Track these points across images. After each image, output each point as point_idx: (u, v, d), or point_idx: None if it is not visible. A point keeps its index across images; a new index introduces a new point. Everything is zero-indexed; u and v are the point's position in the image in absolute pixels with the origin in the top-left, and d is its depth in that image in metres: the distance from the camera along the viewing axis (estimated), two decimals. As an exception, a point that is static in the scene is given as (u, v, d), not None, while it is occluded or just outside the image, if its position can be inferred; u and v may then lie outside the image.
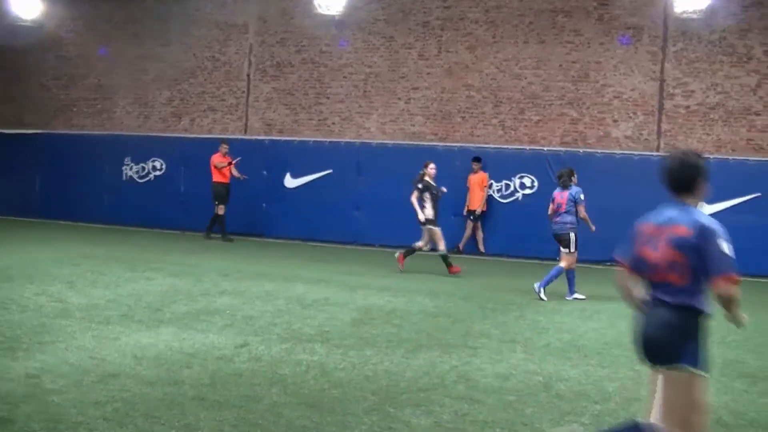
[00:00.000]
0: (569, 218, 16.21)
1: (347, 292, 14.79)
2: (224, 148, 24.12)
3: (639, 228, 6.33)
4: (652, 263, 5.95)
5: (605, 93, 24.04)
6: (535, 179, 23.37)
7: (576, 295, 15.81)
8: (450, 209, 23.27)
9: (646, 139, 23.72)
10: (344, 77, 26.33)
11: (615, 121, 23.94)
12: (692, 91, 23.59)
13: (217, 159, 23.91)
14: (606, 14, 24.11)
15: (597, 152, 23.43)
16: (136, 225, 26.45)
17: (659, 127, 23.67)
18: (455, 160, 23.98)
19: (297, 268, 18.25)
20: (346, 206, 24.84)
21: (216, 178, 23.93)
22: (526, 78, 24.56)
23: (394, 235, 23.61)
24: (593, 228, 16.70)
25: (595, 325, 12.75)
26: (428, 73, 25.42)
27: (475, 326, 12.01)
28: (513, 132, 24.55)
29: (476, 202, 23.36)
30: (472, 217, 23.50)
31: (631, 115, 23.88)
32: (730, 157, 22.76)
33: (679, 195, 6.21)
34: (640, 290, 5.96)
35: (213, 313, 12.01)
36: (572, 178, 16.66)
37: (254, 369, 8.88)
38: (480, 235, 23.57)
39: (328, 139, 25.89)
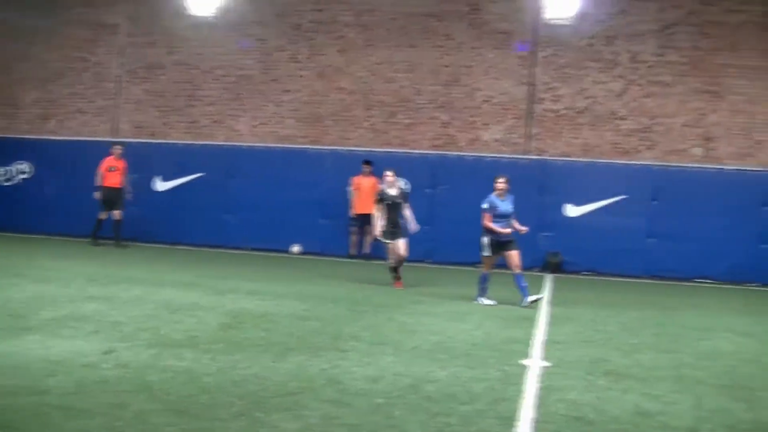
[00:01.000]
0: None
1: (216, 296, 14.59)
2: (117, 150, 23.45)
3: None
4: None
5: (476, 97, 24.33)
6: (408, 182, 23.44)
7: (483, 300, 15.76)
8: (319, 213, 23.33)
9: (515, 143, 24.06)
10: (215, 79, 26.06)
11: (485, 124, 24.24)
12: (561, 96, 24.05)
13: (108, 162, 23.22)
14: (477, 19, 24.41)
15: (467, 155, 23.68)
16: (3, 230, 25.68)
17: (528, 130, 24.03)
18: (326, 163, 23.96)
19: (166, 272, 17.96)
20: (217, 209, 24.58)
21: (107, 182, 23.23)
22: (397, 81, 24.67)
23: (264, 238, 23.55)
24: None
25: (464, 326, 12.82)
26: (300, 76, 25.35)
27: (345, 329, 11.95)
28: (384, 135, 24.62)
29: (368, 206, 23.16)
30: (358, 222, 23.27)
31: (500, 118, 24.21)
32: (597, 160, 23.26)
33: None
34: None
35: (79, 319, 11.69)
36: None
37: (121, 376, 8.66)
38: (369, 238, 23.46)
39: (199, 142, 25.59)
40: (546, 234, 23.10)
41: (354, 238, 23.69)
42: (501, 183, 15.98)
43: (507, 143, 24.17)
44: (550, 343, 11.65)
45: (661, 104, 23.93)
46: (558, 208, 23.23)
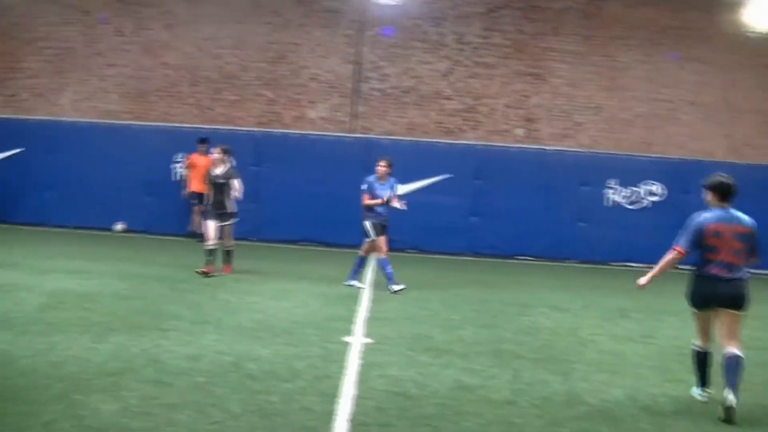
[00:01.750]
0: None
1: (36, 275, 14.18)
2: None
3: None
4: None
5: (302, 74, 24.26)
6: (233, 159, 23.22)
7: (353, 282, 15.61)
8: (143, 190, 22.94)
9: (341, 121, 24.14)
10: (37, 51, 25.19)
11: (311, 102, 24.21)
12: (387, 75, 24.22)
13: None
14: (305, -4, 24.32)
15: (292, 133, 23.63)
16: None
17: (354, 109, 24.14)
18: (150, 140, 23.49)
19: (-19, 251, 17.38)
20: (38, 187, 23.77)
21: None
22: (223, 58, 24.39)
23: (87, 216, 23.00)
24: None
25: (286, 304, 12.83)
26: (125, 50, 24.74)
27: (167, 308, 11.80)
28: (209, 112, 24.32)
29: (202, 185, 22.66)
30: (197, 200, 22.66)
31: (327, 96, 24.22)
32: (422, 140, 23.54)
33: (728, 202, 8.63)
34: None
35: None
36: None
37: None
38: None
39: (19, 117, 24.71)
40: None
41: (195, 216, 23.25)
42: (382, 166, 15.61)
43: (333, 121, 24.21)
44: (372, 321, 11.78)
45: (485, 85, 24.39)
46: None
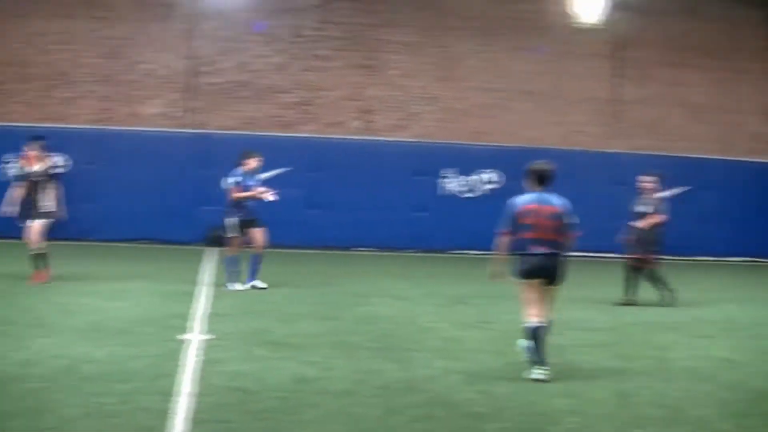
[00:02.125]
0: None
1: None
2: None
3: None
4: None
5: (137, 70, 23.83)
6: (68, 157, 22.67)
7: (235, 285, 14.88)
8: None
9: (177, 117, 23.83)
10: None
11: (147, 98, 23.81)
12: (223, 69, 24.04)
13: None
14: (138, -10, 23.89)
15: (128, 129, 23.21)
16: None
17: (190, 104, 23.86)
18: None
19: None
20: None
21: None
22: (54, 53, 23.74)
23: None
24: None
25: (122, 304, 12.61)
26: (-53, 46, 23.85)
27: (-2, 312, 11.48)
28: (41, 109, 23.64)
29: None
30: None
31: (162, 92, 23.87)
32: (259, 133, 23.44)
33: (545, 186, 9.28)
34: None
35: None
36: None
37: None
38: None
39: None
40: (209, 208, 23.03)
41: None
42: (254, 161, 15.40)
43: (169, 117, 23.86)
44: (211, 317, 11.69)
45: (321, 78, 24.45)
46: (220, 182, 23.13)
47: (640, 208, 15.11)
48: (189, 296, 13.59)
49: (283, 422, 7.00)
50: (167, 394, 7.53)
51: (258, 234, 15.20)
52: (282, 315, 12.16)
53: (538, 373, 8.73)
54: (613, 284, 15.72)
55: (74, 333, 10.22)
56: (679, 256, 25.25)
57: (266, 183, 16.05)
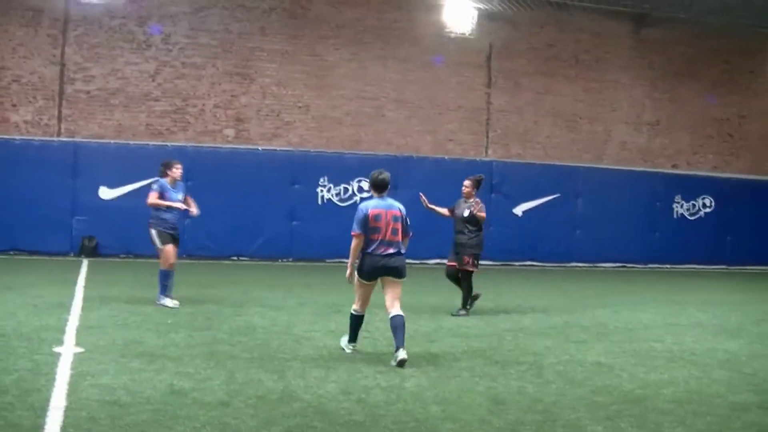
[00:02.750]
0: (152, 213, 14.41)
1: None
2: None
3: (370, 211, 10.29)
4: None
5: (4, 76, 23.30)
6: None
7: (166, 301, 14.21)
8: None
9: (46, 124, 23.39)
10: None
11: (14, 105, 23.28)
12: (93, 77, 23.68)
13: None
14: (3, -6, 23.35)
15: (-6, 138, 22.68)
16: None
17: (60, 112, 23.43)
18: None
19: None
20: None
21: None
22: None
23: None
24: None
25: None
26: None
27: None
28: None
29: None
30: None
31: (31, 99, 23.39)
32: (131, 142, 23.17)
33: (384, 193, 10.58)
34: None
35: None
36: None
37: None
38: None
39: None
40: (80, 218, 22.70)
41: None
42: (177, 170, 14.63)
43: (38, 125, 23.39)
44: (83, 329, 11.49)
45: (194, 86, 24.30)
46: (92, 191, 22.84)
47: (463, 212, 14.96)
48: (63, 308, 13.32)
49: (157, 435, 6.95)
50: (38, 409, 7.39)
51: (169, 249, 14.37)
52: (155, 326, 12.01)
53: (348, 347, 10.80)
54: (489, 290, 15.96)
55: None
56: (551, 262, 25.88)
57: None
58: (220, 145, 23.93)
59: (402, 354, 9.82)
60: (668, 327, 14.09)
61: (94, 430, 6.92)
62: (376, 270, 10.32)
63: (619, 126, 28.36)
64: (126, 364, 9.32)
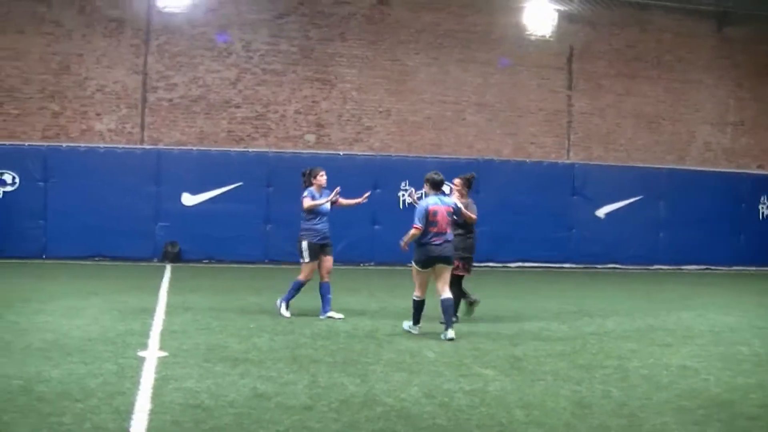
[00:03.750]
0: (302, 224, 14.06)
1: None
2: None
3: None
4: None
5: (88, 86, 23.65)
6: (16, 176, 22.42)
7: (282, 308, 13.83)
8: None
9: (129, 132, 23.67)
10: None
11: (98, 114, 23.63)
12: (175, 84, 23.93)
13: None
14: (87, 6, 23.69)
15: (80, 146, 22.99)
16: None
17: (143, 120, 23.71)
18: None
19: None
20: None
21: None
22: (3, 70, 23.48)
23: None
24: None
25: (79, 322, 12.44)
26: None
27: (-51, 332, 11.28)
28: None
29: None
30: None
31: (114, 108, 23.70)
32: (212, 149, 23.36)
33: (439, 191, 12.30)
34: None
35: None
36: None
37: None
38: None
39: None
40: (163, 224, 22.93)
41: None
42: (322, 177, 14.18)
43: (121, 133, 23.71)
44: (167, 333, 11.57)
45: (275, 92, 24.44)
46: (175, 198, 23.07)
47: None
48: (146, 313, 13.45)
49: (240, 439, 6.95)
50: (124, 412, 7.44)
51: (329, 261, 13.98)
52: (238, 330, 12.06)
53: (412, 327, 12.35)
54: (571, 293, 15.80)
55: (28, 352, 10.06)
56: (634, 265, 25.50)
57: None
58: (301, 151, 23.99)
59: (451, 333, 11.67)
60: (755, 330, 13.76)
61: (178, 434, 6.95)
62: (431, 259, 11.99)
63: (702, 126, 27.89)
64: (209, 369, 9.35)
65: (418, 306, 12.29)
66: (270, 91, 24.43)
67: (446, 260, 12.04)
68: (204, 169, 23.08)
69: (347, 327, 12.63)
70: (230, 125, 24.15)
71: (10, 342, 10.72)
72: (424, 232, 11.93)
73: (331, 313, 13.70)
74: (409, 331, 12.23)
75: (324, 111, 24.69)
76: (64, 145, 23.06)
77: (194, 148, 23.50)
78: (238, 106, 24.23)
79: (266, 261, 22.97)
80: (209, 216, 22.72)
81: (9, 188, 22.38)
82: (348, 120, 24.83)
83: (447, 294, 11.98)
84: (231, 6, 24.29)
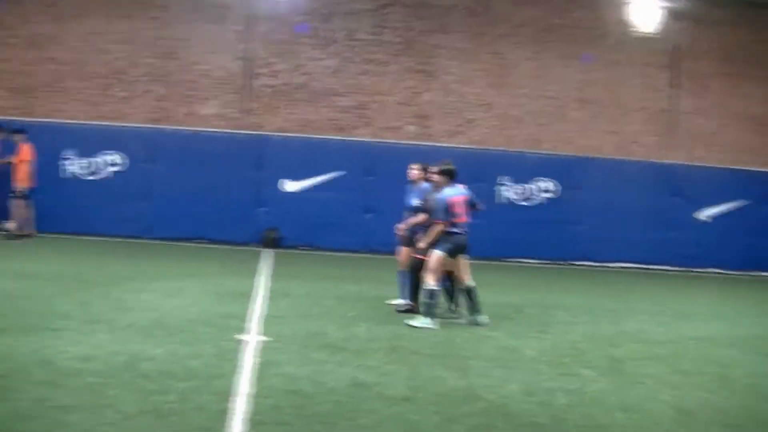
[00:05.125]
0: None
1: None
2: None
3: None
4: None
5: (193, 70, 23.95)
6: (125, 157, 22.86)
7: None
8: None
9: (233, 117, 23.92)
10: None
11: (203, 99, 23.92)
12: (278, 71, 24.09)
13: None
14: (194, -9, 23.98)
15: (184, 129, 23.31)
16: None
17: (246, 105, 23.95)
18: (37, 137, 22.71)
19: None
20: None
21: None
22: (112, 53, 23.91)
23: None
24: None
25: (179, 302, 12.64)
26: (9, 45, 24.06)
27: (57, 307, 11.53)
28: (99, 108, 23.82)
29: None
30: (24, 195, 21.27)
31: (218, 93, 23.97)
32: (314, 136, 23.49)
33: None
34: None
35: None
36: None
37: None
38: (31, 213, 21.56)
39: None
40: (264, 209, 23.14)
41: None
42: (410, 170, 14.11)
43: (224, 118, 23.95)
44: (267, 318, 11.69)
45: (376, 82, 24.44)
46: (275, 184, 23.27)
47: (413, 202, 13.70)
48: (245, 297, 13.59)
49: (339, 426, 6.99)
50: (225, 394, 7.55)
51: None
52: (337, 318, 12.14)
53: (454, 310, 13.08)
54: (669, 297, 15.57)
55: (132, 330, 10.27)
56: (736, 270, 24.98)
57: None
58: (401, 141, 23.98)
59: (485, 318, 12.36)
60: None
61: (279, 419, 7.03)
62: (459, 247, 12.31)
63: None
64: (309, 355, 9.43)
65: (437, 296, 12.22)
66: (372, 81, 24.46)
67: (467, 249, 12.50)
68: (305, 157, 23.21)
69: (445, 321, 12.59)
70: (332, 113, 24.25)
71: (115, 319, 10.95)
72: (452, 224, 12.19)
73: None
74: (431, 328, 11.60)
75: (425, 102, 24.64)
76: (169, 128, 23.40)
77: (296, 135, 23.65)
78: (340, 95, 24.32)
79: (364, 250, 23.02)
80: (310, 203, 22.84)
81: (118, 168, 22.82)
82: (449, 112, 24.75)
83: (471, 280, 12.51)
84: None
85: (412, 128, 24.45)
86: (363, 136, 23.97)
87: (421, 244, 12.49)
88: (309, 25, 24.24)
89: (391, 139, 23.98)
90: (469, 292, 12.45)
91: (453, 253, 12.25)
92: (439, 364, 9.42)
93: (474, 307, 12.39)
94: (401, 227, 13.86)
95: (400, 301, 13.45)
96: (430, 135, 24.37)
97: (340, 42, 24.35)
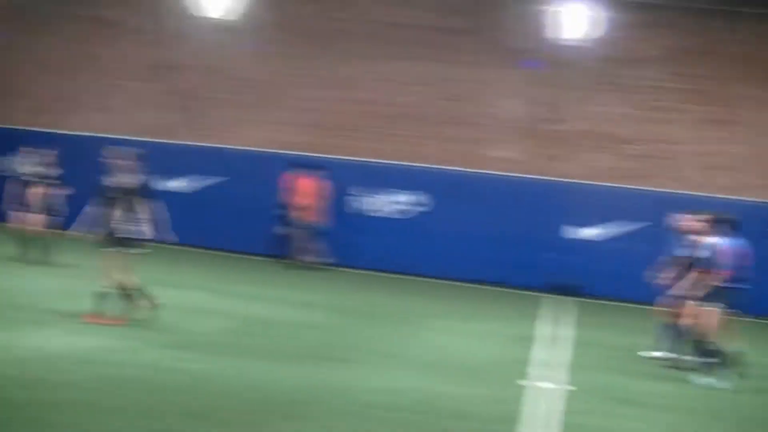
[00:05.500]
0: None
1: (224, 299, 14.58)
2: None
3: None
4: None
5: (482, 114, 23.98)
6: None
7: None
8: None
9: (521, 161, 23.57)
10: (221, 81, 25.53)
11: (492, 142, 23.93)
12: (567, 117, 23.78)
13: None
14: (487, 36, 24.07)
15: (475, 172, 23.34)
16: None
17: (536, 150, 23.79)
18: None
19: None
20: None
21: None
22: (403, 96, 24.37)
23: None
24: None
25: (465, 342, 12.87)
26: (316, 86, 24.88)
27: (350, 339, 12.09)
28: (387, 146, 24.16)
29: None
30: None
31: (507, 137, 23.91)
32: (606, 184, 23.08)
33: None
34: None
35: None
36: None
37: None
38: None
39: (210, 145, 24.94)
40: (548, 255, 22.81)
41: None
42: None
43: (512, 162, 23.88)
44: (553, 366, 11.71)
45: (671, 130, 23.77)
46: (563, 230, 22.95)
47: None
48: (528, 342, 13.57)
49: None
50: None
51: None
52: (629, 371, 11.92)
53: None
54: None
55: (423, 366, 10.62)
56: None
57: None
58: (710, 194, 22.60)
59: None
60: None
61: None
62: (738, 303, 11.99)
63: None
64: (612, 410, 9.32)
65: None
66: (666, 129, 23.89)
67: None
68: (595, 204, 22.89)
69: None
70: (622, 162, 23.78)
71: (405, 354, 11.35)
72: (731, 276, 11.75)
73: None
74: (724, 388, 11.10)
75: (726, 154, 23.69)
76: (461, 170, 23.60)
77: (586, 182, 23.37)
78: (633, 143, 23.85)
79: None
80: (614, 252, 22.34)
81: (421, 208, 23.43)
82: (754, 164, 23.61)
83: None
84: (626, 42, 23.98)
85: (720, 181, 23.36)
86: (659, 187, 23.19)
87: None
88: (537, 62, 23.96)
89: (695, 192, 22.86)
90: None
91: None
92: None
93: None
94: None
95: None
96: (733, 189, 23.01)
97: (634, 89, 23.91)
